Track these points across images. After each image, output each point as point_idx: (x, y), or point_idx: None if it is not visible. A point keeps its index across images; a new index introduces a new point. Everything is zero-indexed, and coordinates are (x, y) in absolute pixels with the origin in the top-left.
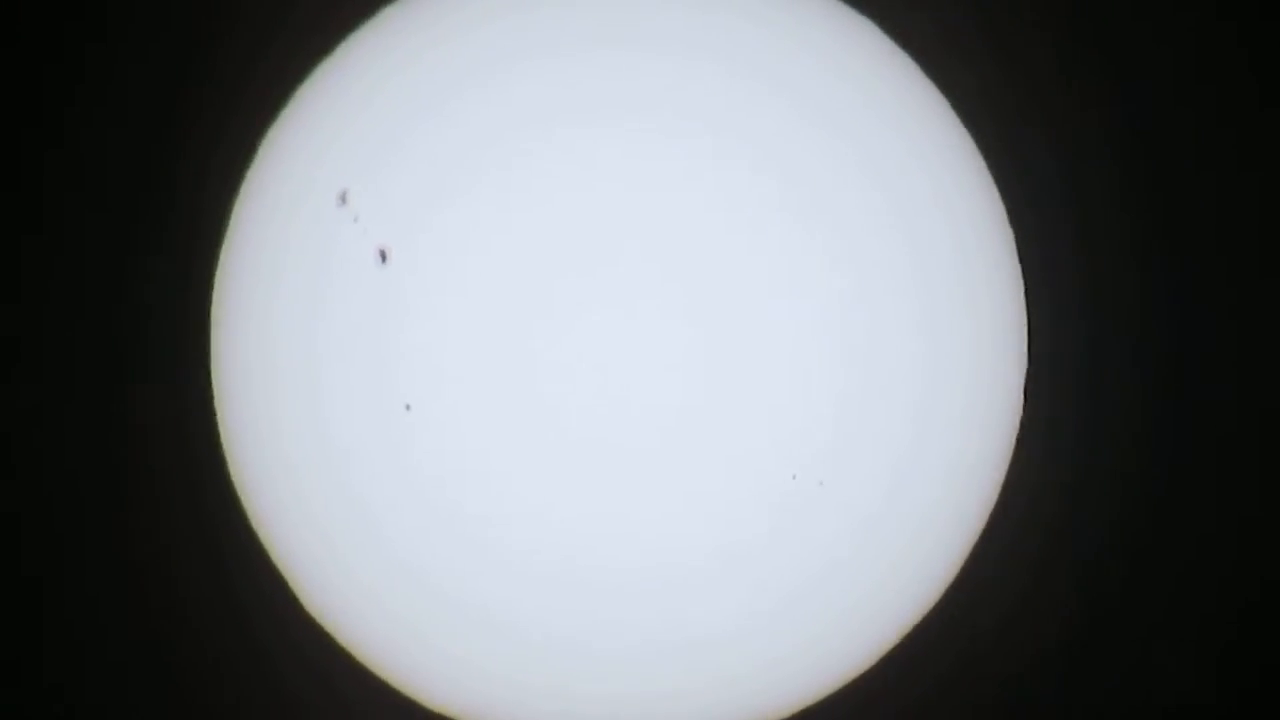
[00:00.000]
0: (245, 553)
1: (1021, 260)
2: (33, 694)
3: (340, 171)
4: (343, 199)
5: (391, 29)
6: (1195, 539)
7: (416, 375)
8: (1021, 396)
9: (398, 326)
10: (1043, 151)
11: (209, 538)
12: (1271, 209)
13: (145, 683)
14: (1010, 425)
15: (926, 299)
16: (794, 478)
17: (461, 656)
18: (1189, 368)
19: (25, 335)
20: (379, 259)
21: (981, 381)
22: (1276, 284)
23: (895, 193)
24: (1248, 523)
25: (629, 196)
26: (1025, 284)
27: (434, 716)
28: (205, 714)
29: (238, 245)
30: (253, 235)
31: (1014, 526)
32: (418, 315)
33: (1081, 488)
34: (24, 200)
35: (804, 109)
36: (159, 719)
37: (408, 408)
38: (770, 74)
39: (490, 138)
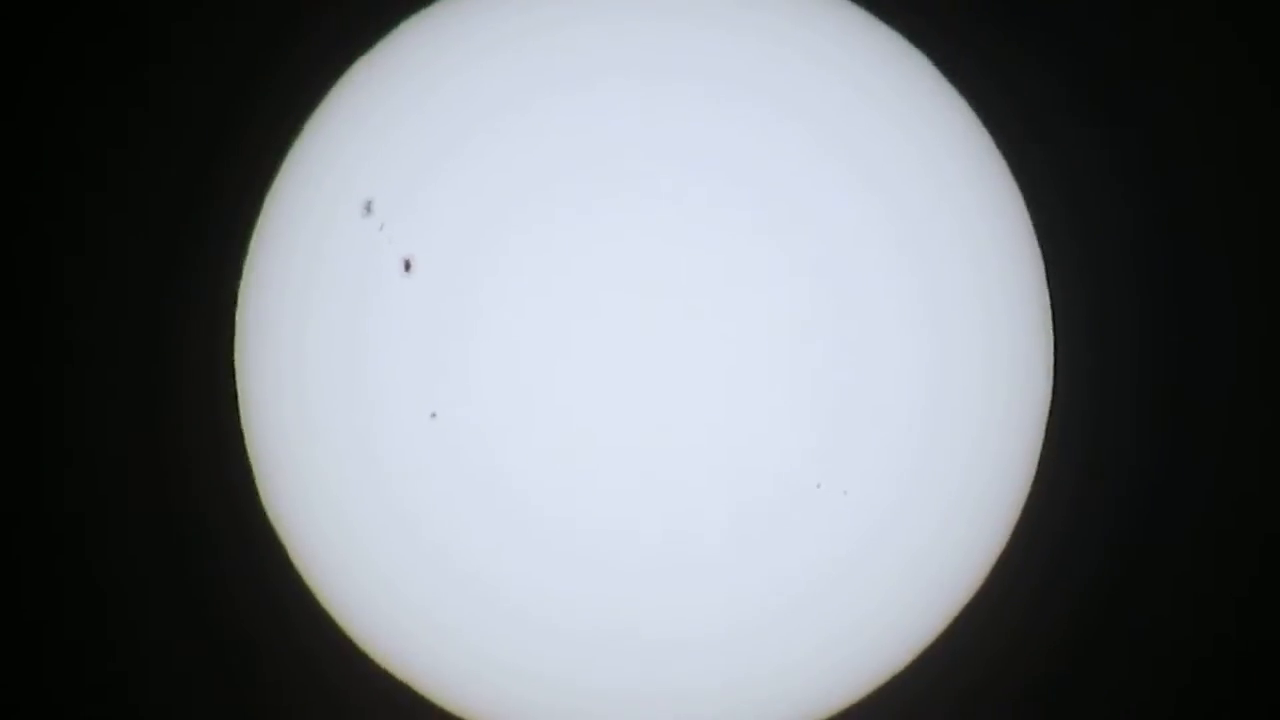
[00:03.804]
0: (269, 559)
1: (1047, 267)
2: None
3: (365, 180)
4: (368, 208)
5: (418, 37)
6: (1223, 539)
7: (441, 383)
8: (1049, 406)
9: (422, 335)
10: (1062, 153)
11: (234, 544)
12: None
13: (160, 688)
14: (1036, 434)
15: (950, 308)
16: (818, 486)
17: (487, 659)
18: (1217, 369)
19: (48, 339)
20: (403, 268)
21: (1008, 390)
22: None
23: (914, 200)
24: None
25: (654, 206)
26: (1051, 290)
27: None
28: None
29: (262, 254)
30: (277, 244)
31: (1039, 534)
32: (442, 324)
33: (1109, 496)
34: (50, 207)
35: (824, 119)
36: None
37: (433, 416)
38: (785, 80)
39: (516, 146)
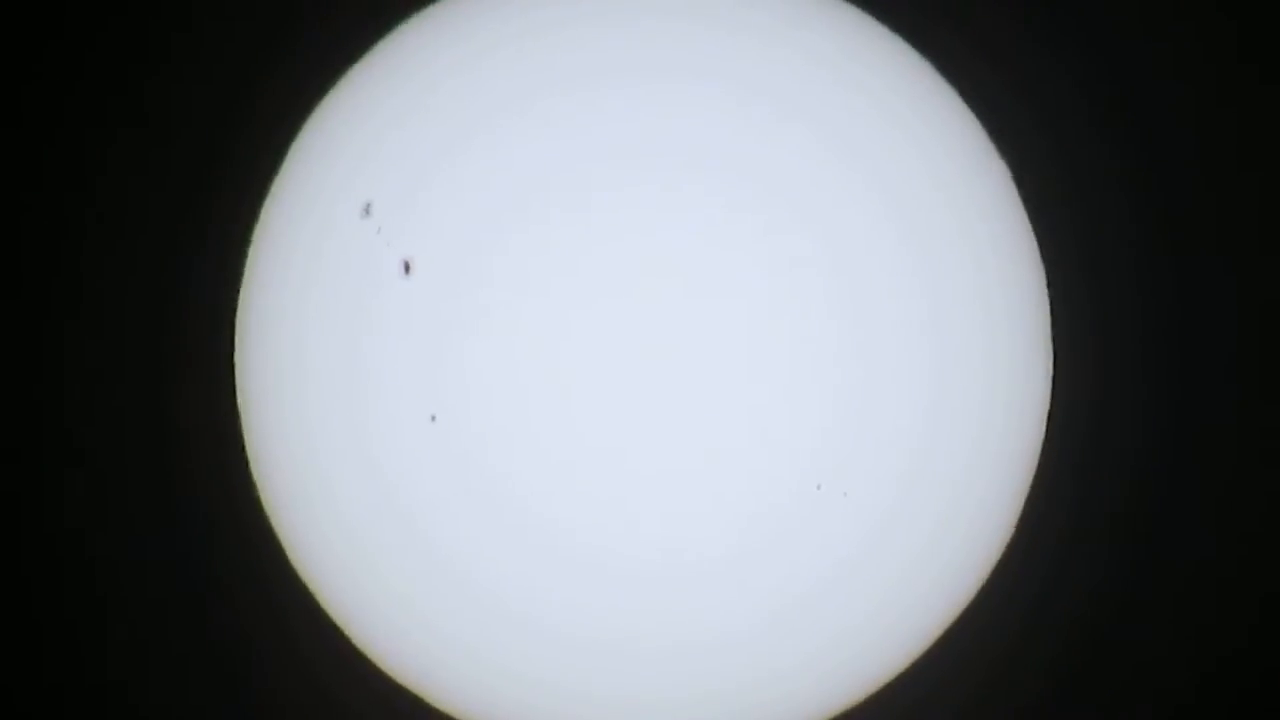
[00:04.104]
0: (269, 561)
1: (1046, 269)
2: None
3: (363, 183)
4: (366, 210)
5: (416, 39)
6: (1225, 542)
7: (441, 386)
8: (1049, 407)
9: (421, 337)
10: (1063, 154)
11: (234, 546)
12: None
13: (159, 689)
14: (1035, 435)
15: (950, 309)
16: (819, 488)
17: (487, 661)
18: (1219, 369)
19: (48, 340)
20: (402, 270)
21: (1008, 392)
22: None
23: (914, 202)
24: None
25: (654, 207)
26: (1051, 292)
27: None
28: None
29: (262, 256)
30: (276, 246)
31: (1040, 536)
32: (441, 326)
33: (1109, 497)
34: (49, 209)
35: (824, 120)
36: None
37: (433, 418)
38: (789, 82)
39: (515, 148)
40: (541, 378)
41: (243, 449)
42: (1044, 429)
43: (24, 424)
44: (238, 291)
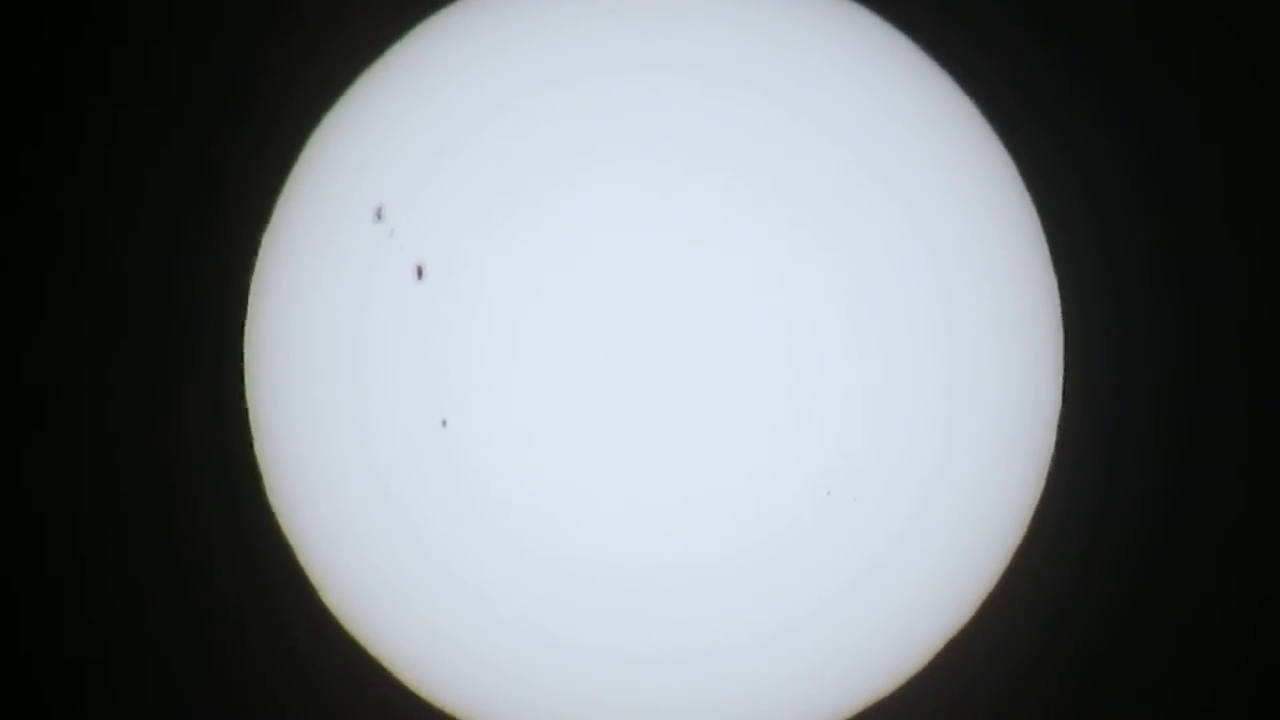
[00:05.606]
0: (280, 565)
1: (1056, 271)
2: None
3: (376, 186)
4: (378, 214)
5: (429, 44)
6: (1239, 546)
7: (453, 390)
8: (1061, 411)
9: (433, 342)
10: (1071, 157)
11: (245, 551)
12: None
13: (173, 689)
14: (1045, 439)
15: (962, 315)
16: (829, 493)
17: (497, 665)
18: (1230, 368)
19: (55, 345)
20: (415, 274)
21: (1020, 397)
22: None
23: (925, 204)
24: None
25: (665, 211)
26: (1060, 295)
27: None
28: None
29: (273, 261)
30: (288, 250)
31: (1052, 542)
32: (453, 330)
33: (1123, 497)
34: (59, 210)
35: (830, 121)
36: None
37: (444, 423)
38: (794, 82)
39: (525, 153)
40: (554, 382)
41: (253, 455)
42: (1056, 433)
43: (28, 430)
44: (248, 295)
